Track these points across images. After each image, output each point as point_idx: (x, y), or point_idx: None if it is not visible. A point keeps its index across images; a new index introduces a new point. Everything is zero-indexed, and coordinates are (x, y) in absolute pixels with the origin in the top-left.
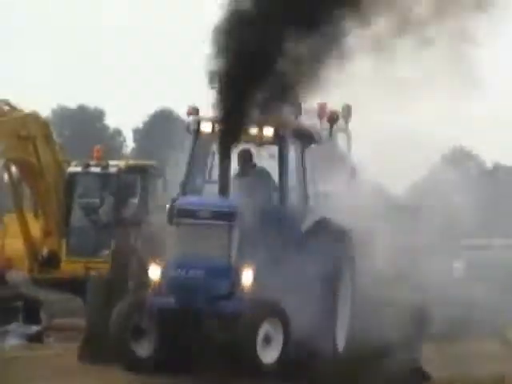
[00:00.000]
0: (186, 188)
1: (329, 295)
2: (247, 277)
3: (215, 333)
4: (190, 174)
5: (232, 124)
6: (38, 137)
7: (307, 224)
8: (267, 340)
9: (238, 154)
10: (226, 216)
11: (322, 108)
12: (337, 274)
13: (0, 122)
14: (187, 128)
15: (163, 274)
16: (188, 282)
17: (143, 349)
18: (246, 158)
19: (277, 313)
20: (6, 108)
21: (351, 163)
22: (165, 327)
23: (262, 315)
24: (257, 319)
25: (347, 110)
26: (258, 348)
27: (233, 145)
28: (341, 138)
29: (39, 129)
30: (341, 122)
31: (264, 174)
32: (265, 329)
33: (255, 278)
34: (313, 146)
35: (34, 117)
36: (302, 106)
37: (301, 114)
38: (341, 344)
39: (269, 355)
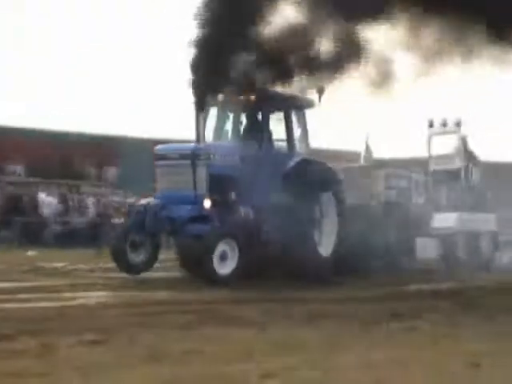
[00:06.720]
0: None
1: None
2: (207, 205)
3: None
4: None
5: (204, 82)
6: None
7: (290, 164)
8: (223, 257)
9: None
10: (189, 156)
11: None
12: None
13: None
14: None
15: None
16: (157, 210)
17: (137, 257)
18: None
19: (231, 235)
20: None
21: None
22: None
23: (217, 238)
24: (212, 241)
25: None
26: (215, 263)
27: (206, 98)
28: None
29: None
30: None
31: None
32: (221, 248)
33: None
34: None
35: None
36: None
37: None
38: (326, 251)
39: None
